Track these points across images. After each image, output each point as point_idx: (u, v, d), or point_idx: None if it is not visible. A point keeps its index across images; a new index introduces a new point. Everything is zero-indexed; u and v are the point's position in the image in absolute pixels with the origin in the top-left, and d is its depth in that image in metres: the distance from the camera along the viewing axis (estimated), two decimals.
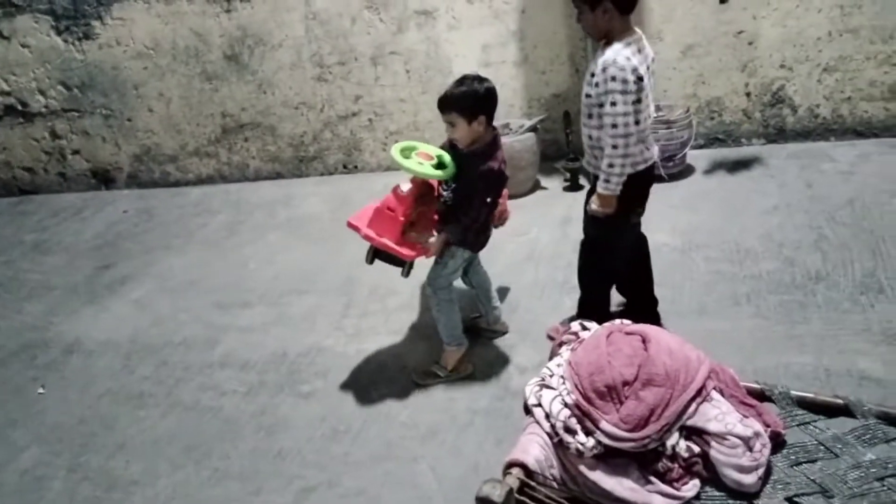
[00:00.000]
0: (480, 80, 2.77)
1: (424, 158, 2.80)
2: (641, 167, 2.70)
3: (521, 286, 3.58)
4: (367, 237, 2.79)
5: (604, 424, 1.87)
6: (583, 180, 4.57)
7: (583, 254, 2.99)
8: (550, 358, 2.24)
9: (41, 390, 3.31)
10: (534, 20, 4.68)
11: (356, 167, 5.25)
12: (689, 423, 1.90)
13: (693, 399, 1.91)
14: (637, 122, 2.59)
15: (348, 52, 4.95)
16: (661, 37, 4.62)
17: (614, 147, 2.58)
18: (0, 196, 5.71)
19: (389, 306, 3.56)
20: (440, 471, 2.56)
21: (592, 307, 2.98)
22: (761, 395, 2.11)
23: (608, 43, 2.58)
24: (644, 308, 3.07)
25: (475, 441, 2.66)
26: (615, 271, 2.98)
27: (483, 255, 3.90)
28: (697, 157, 4.63)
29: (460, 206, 2.81)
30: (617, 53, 2.52)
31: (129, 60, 5.18)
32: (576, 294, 3.43)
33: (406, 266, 2.85)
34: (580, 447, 1.88)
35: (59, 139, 5.50)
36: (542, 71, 4.81)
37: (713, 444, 1.88)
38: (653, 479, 1.87)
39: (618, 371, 1.90)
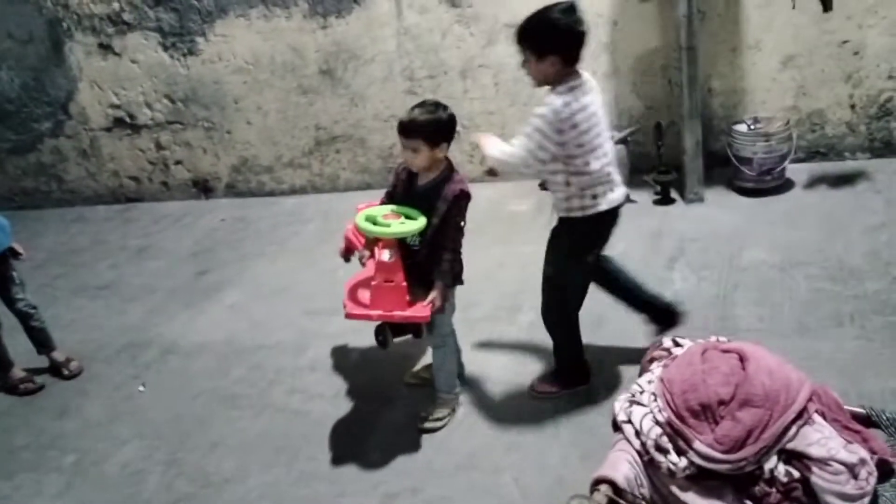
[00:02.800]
0: (443, 106, 2.73)
1: (393, 218, 2.69)
2: (603, 207, 2.67)
3: (608, 300, 3.51)
4: (381, 318, 2.71)
5: (697, 444, 1.82)
6: (674, 193, 4.48)
7: (543, 293, 2.91)
8: (640, 374, 2.20)
9: (141, 388, 3.46)
10: (626, 31, 4.63)
11: None
12: (789, 446, 1.83)
13: (794, 421, 1.83)
14: (587, 164, 2.58)
15: (438, 66, 5.01)
16: (759, 47, 4.48)
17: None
18: (108, 203, 6.03)
19: (472, 317, 3.56)
20: (524, 483, 2.54)
21: (565, 353, 2.96)
22: (867, 421, 2.00)
23: (551, 89, 2.59)
24: (662, 315, 3.01)
25: (560, 454, 2.63)
26: (570, 311, 2.90)
27: None
28: (797, 172, 4.45)
29: (438, 245, 2.69)
30: (553, 101, 2.53)
31: (229, 75, 5.40)
32: None
33: (425, 328, 2.81)
34: (672, 467, 1.83)
35: (163, 150, 5.77)
36: (634, 82, 4.73)
37: (815, 469, 1.79)
38: (749, 503, 1.80)
39: (713, 390, 1.84)
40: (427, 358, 3.18)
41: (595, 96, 2.63)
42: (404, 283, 2.68)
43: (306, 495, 2.66)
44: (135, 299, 4.36)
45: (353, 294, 2.82)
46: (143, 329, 4.00)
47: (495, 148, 2.70)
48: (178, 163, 5.79)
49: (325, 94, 5.29)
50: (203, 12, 5.25)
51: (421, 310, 2.68)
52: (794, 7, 4.25)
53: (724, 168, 4.50)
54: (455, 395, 2.97)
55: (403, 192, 2.81)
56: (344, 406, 3.10)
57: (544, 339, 3.29)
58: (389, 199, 2.86)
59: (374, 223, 2.68)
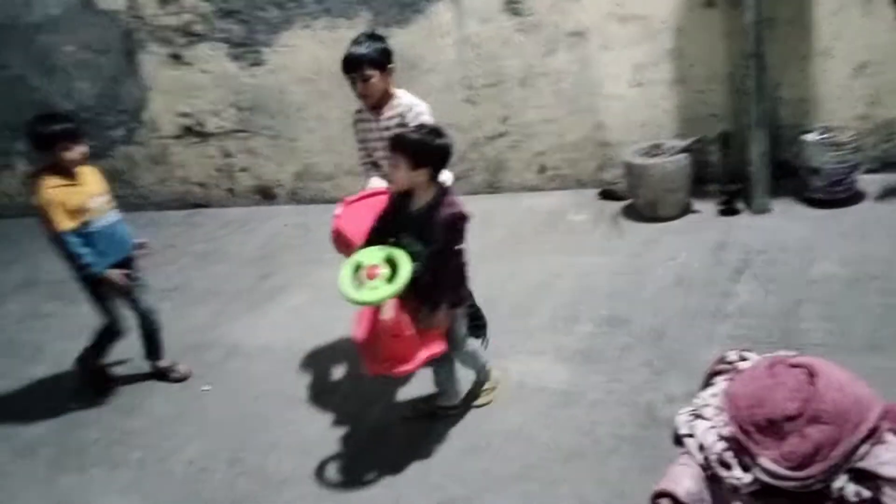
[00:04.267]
0: (441, 134, 2.72)
1: (376, 271, 2.61)
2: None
3: (669, 313, 3.47)
4: (406, 372, 2.78)
5: (763, 460, 1.77)
6: (740, 204, 4.38)
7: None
8: (703, 387, 2.15)
9: (206, 388, 3.56)
10: (691, 38, 4.55)
11: (500, 187, 5.29)
12: (860, 465, 1.76)
13: (865, 440, 1.76)
14: None
15: (498, 75, 5.02)
16: (830, 54, 4.36)
17: None
18: (176, 208, 6.22)
19: (530, 325, 3.56)
20: (582, 495, 2.51)
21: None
22: None
23: (388, 98, 3.12)
24: None
25: (619, 468, 2.59)
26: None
27: (628, 278, 3.84)
28: (869, 183, 4.30)
29: (439, 271, 2.68)
30: (416, 100, 3.10)
31: (293, 84, 5.52)
32: (730, 322, 3.30)
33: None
34: (736, 482, 1.79)
35: (230, 157, 5.93)
36: (699, 90, 4.66)
37: (887, 490, 1.72)
38: None
39: (780, 405, 1.79)
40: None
41: None
42: (410, 332, 2.66)
43: (362, 498, 2.69)
44: (200, 302, 4.48)
45: (368, 351, 2.80)
46: (208, 330, 4.11)
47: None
48: (243, 170, 5.94)
49: None
50: (269, 23, 5.38)
51: (437, 345, 2.74)
52: (867, 14, 4.12)
53: (792, 178, 4.38)
54: (487, 369, 3.03)
55: (397, 216, 2.77)
56: (401, 411, 3.13)
57: (603, 348, 3.27)
58: (383, 222, 2.80)
59: (359, 267, 2.63)
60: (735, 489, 1.80)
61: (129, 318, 3.57)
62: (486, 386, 3.07)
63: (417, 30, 5.07)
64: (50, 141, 3.25)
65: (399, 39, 5.14)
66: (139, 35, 5.74)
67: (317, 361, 3.61)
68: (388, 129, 3.08)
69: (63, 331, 4.30)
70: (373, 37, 3.14)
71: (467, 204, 2.86)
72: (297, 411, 3.26)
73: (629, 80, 4.76)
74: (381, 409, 3.17)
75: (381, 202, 2.93)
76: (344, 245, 3.02)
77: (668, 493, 1.79)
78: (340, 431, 3.07)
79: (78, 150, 3.31)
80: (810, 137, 4.28)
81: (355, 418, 3.14)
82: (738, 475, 1.79)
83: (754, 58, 4.08)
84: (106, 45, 5.86)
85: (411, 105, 3.10)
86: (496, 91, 5.07)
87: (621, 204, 4.73)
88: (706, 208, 4.48)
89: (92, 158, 6.31)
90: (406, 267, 2.59)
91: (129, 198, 6.33)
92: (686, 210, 4.48)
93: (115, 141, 6.16)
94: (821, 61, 4.40)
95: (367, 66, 3.01)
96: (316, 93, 5.49)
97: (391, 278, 2.58)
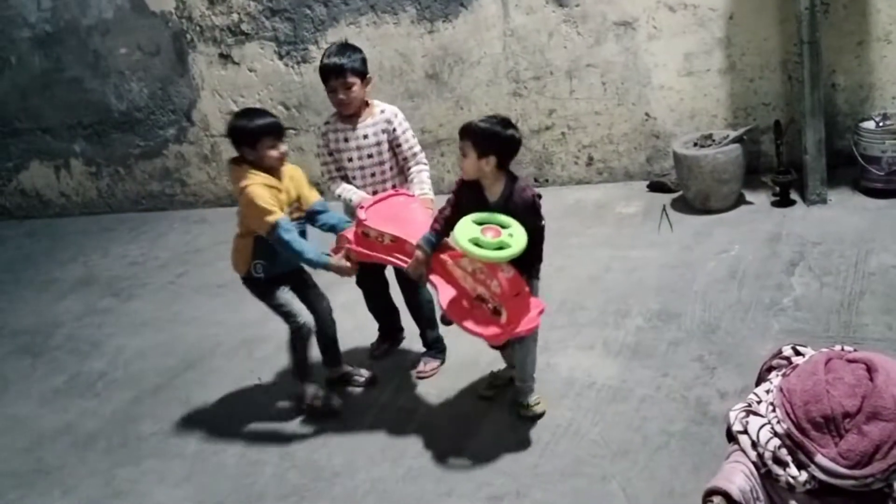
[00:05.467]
0: (509, 125, 2.73)
1: (494, 234, 2.66)
2: None
3: (722, 306, 3.40)
4: (532, 329, 2.74)
5: (819, 458, 1.73)
6: (794, 195, 4.27)
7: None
8: (757, 383, 2.11)
9: (258, 381, 3.62)
10: (743, 26, 4.45)
11: (547, 180, 5.25)
12: None
13: None
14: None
15: (544, 67, 4.98)
16: (889, 39, 4.22)
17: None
18: (227, 206, 6.29)
19: (578, 321, 3.53)
20: (632, 492, 2.48)
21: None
22: None
23: (364, 107, 3.18)
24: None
25: (669, 465, 2.55)
26: None
27: (679, 271, 3.78)
28: None
29: (529, 248, 2.71)
30: (395, 108, 3.23)
31: None
32: (785, 316, 3.23)
33: None
34: (791, 481, 1.75)
35: None
36: (751, 79, 4.55)
37: None
38: None
39: (837, 401, 1.74)
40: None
41: None
42: (528, 289, 2.72)
43: (412, 492, 2.70)
44: (252, 297, 4.54)
45: (471, 316, 2.75)
46: (259, 325, 4.16)
47: (428, 186, 3.24)
48: None
49: (430, 97, 5.36)
50: (316, 21, 5.43)
51: (537, 303, 2.77)
52: None
53: (849, 168, 4.25)
54: (532, 385, 2.96)
55: (475, 208, 2.77)
56: (450, 406, 3.14)
57: (653, 343, 3.23)
58: (454, 214, 2.81)
59: (479, 244, 2.63)
60: (791, 487, 1.76)
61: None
62: (532, 397, 2.95)
63: (463, 23, 5.06)
64: (256, 137, 2.96)
65: (445, 33, 5.15)
66: (189, 35, 5.86)
67: (364, 357, 3.64)
68: (366, 136, 3.17)
69: (119, 327, 4.43)
70: (351, 47, 3.18)
71: None
72: (347, 405, 3.29)
73: (679, 69, 4.68)
74: (431, 403, 3.18)
75: (407, 201, 3.15)
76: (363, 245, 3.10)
77: (720, 492, 1.76)
78: (389, 426, 3.09)
79: (282, 149, 3.04)
80: (869, 125, 4.15)
81: (405, 412, 3.16)
82: (793, 473, 1.76)
83: (808, 45, 3.96)
84: (157, 47, 5.99)
85: (395, 111, 3.21)
86: (543, 83, 5.03)
87: (671, 196, 4.65)
88: (759, 199, 4.37)
89: (146, 157, 6.54)
90: (508, 216, 2.69)
91: (181, 196, 6.50)
92: (738, 201, 4.39)
93: (167, 140, 6.30)
94: (879, 47, 4.26)
95: (350, 74, 3.07)
96: None
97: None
